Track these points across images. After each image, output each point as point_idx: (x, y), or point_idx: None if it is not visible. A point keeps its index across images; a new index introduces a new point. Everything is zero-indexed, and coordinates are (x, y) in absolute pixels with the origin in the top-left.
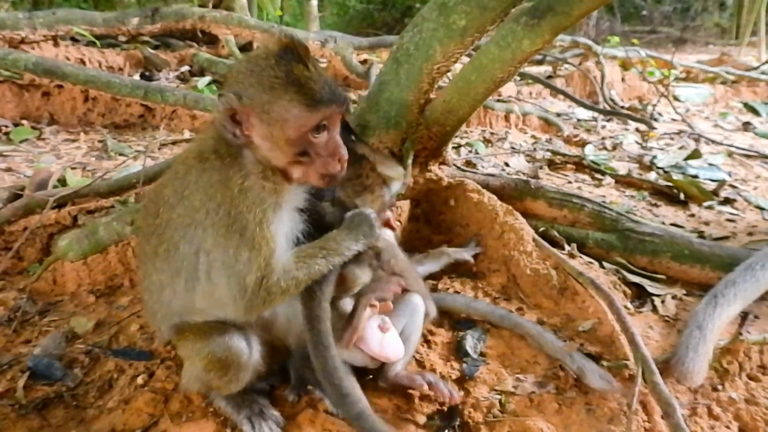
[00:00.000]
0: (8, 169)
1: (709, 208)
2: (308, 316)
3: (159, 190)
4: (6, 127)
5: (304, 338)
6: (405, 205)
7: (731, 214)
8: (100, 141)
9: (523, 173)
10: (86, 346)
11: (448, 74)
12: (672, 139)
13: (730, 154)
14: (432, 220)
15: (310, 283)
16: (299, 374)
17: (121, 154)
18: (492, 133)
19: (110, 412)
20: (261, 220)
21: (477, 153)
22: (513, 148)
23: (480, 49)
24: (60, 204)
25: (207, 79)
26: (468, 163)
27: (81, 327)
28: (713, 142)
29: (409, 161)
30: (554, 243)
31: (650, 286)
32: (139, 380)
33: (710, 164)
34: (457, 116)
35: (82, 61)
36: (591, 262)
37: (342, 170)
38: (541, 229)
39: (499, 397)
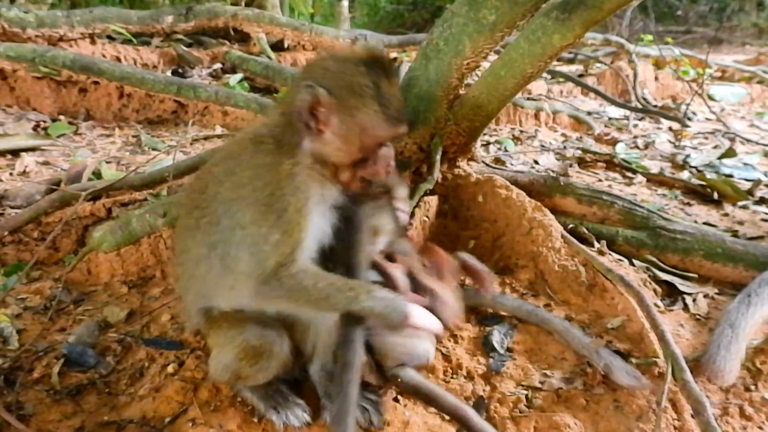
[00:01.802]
0: (45, 163)
1: (744, 207)
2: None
3: (209, 168)
4: (44, 122)
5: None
6: (433, 200)
7: (766, 213)
8: (134, 136)
9: (553, 171)
10: (118, 335)
11: (478, 70)
12: (706, 138)
13: (766, 154)
14: (460, 216)
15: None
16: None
17: (154, 149)
18: (521, 131)
19: (141, 400)
20: (301, 207)
21: (506, 150)
22: (542, 146)
23: (510, 45)
24: (95, 197)
25: (239, 76)
26: (497, 160)
27: (114, 316)
28: (749, 141)
29: (437, 157)
30: (583, 240)
31: (681, 285)
32: (170, 369)
33: (745, 164)
34: (486, 112)
35: (118, 59)
36: (621, 260)
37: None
38: (570, 225)
39: (525, 392)
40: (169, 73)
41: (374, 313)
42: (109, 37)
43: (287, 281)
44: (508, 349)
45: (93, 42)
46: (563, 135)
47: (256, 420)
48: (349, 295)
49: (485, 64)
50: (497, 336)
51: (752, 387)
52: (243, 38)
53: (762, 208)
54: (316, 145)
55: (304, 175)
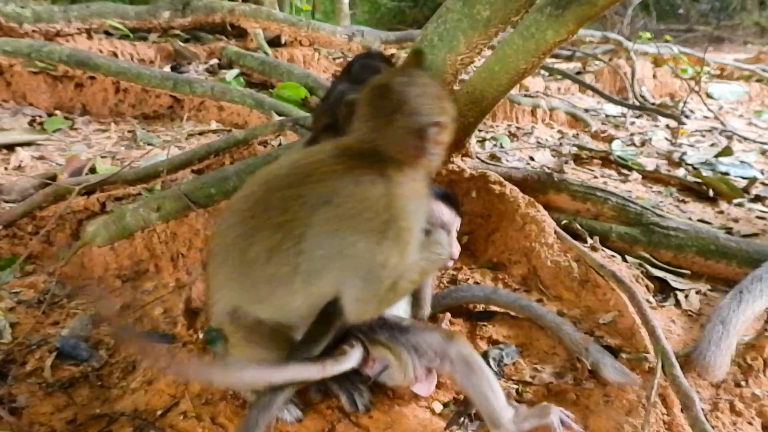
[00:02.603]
0: (41, 158)
1: (739, 205)
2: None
3: (280, 186)
4: (40, 117)
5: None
6: None
7: (762, 211)
8: (129, 131)
9: (548, 168)
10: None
11: (472, 66)
12: (703, 136)
13: (763, 152)
14: None
15: None
16: None
17: (149, 144)
18: (518, 128)
19: (133, 393)
20: (413, 228)
21: (502, 147)
22: (539, 142)
23: (504, 40)
24: (89, 191)
25: (235, 71)
26: (492, 156)
27: (107, 310)
28: (746, 139)
29: None
30: (576, 236)
31: (674, 281)
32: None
33: (742, 161)
34: (480, 107)
35: (115, 54)
36: (614, 256)
37: None
38: (564, 221)
39: (516, 386)
40: (166, 69)
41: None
42: (107, 33)
43: (401, 290)
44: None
45: (90, 37)
46: (560, 132)
47: (247, 413)
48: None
49: (480, 60)
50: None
51: (743, 383)
52: (240, 34)
53: (757, 206)
54: (424, 162)
55: (416, 193)
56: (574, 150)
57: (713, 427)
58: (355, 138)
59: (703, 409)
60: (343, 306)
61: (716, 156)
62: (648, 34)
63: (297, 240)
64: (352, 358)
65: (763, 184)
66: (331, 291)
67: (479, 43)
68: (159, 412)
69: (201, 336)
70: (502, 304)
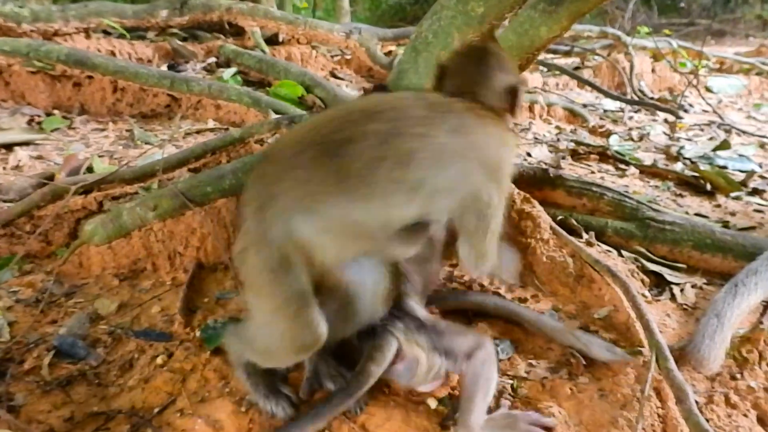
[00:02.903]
0: (39, 157)
1: (737, 198)
2: None
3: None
4: (38, 116)
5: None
6: None
7: (760, 204)
8: (127, 130)
9: (545, 163)
10: (109, 327)
11: None
12: (702, 130)
13: (762, 146)
14: None
15: None
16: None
17: (147, 143)
18: (515, 124)
19: (130, 390)
20: (509, 176)
21: None
22: (536, 138)
23: (498, 37)
24: (87, 190)
25: (232, 70)
26: None
27: (104, 308)
28: (744, 133)
29: None
30: (572, 231)
31: (669, 275)
32: (159, 360)
33: (740, 155)
34: None
35: (113, 53)
36: (609, 251)
37: None
38: (560, 217)
39: (511, 382)
40: (164, 68)
41: None
42: (105, 32)
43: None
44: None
45: (88, 36)
46: (557, 127)
47: (243, 410)
48: None
49: None
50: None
51: (738, 375)
52: (238, 32)
53: (755, 199)
54: (512, 117)
55: (513, 144)
56: (572, 145)
57: (708, 420)
58: (454, 89)
59: (698, 402)
60: (459, 248)
61: (714, 150)
62: (646, 29)
63: (406, 158)
64: (388, 356)
65: (762, 177)
66: (434, 211)
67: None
68: (156, 410)
69: (198, 334)
70: (473, 304)
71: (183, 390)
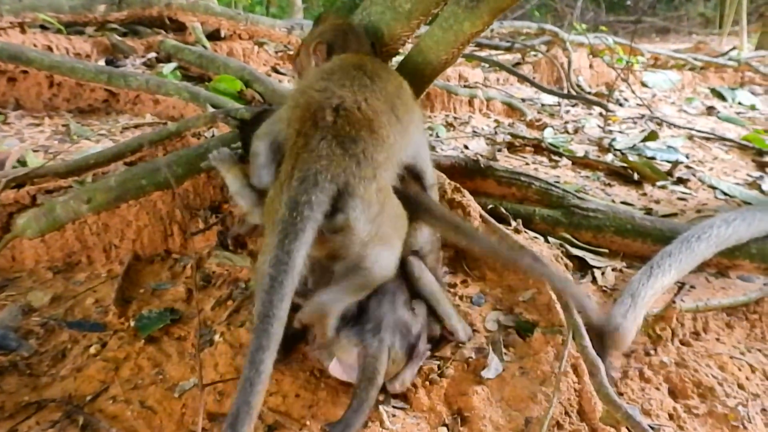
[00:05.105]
0: None
1: (663, 187)
2: None
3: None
4: None
5: None
6: None
7: (683, 193)
8: (64, 125)
9: (481, 155)
10: (42, 319)
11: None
12: (634, 123)
13: (690, 137)
14: None
15: None
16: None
17: (84, 138)
18: (455, 118)
19: (63, 380)
20: None
21: (438, 136)
22: (474, 131)
23: (425, 32)
24: (19, 184)
25: (172, 65)
26: None
27: (38, 301)
28: (673, 125)
29: None
30: (502, 219)
31: (592, 259)
32: (92, 350)
33: (669, 146)
34: None
35: (50, 48)
36: (536, 237)
37: None
38: (490, 206)
39: (438, 362)
40: (102, 63)
41: None
42: (42, 27)
43: None
44: None
45: (23, 31)
46: (496, 121)
47: (176, 396)
48: None
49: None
50: None
51: (651, 352)
52: (180, 28)
53: (679, 188)
54: None
55: None
56: (509, 138)
57: (623, 394)
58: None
59: (613, 377)
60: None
61: (642, 141)
62: (584, 26)
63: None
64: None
65: (687, 167)
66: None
67: (402, 35)
68: (88, 398)
69: (132, 324)
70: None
71: (116, 378)
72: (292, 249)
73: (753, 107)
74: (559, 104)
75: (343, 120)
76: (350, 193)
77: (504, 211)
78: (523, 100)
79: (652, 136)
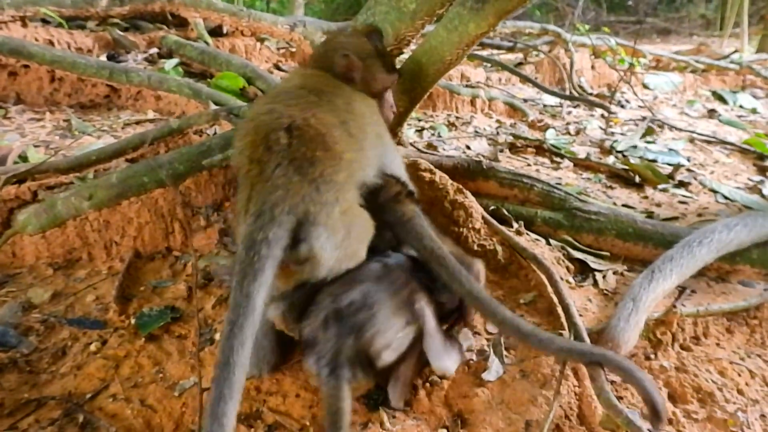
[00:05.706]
0: None
1: (664, 190)
2: None
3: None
4: None
5: None
6: None
7: (684, 196)
8: (65, 120)
9: (483, 156)
10: (42, 315)
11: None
12: (636, 125)
13: (691, 140)
14: None
15: None
16: None
17: (85, 133)
18: (457, 117)
19: (63, 377)
20: None
21: (439, 136)
22: (476, 131)
23: (430, 33)
24: (20, 180)
25: (174, 61)
26: (429, 145)
27: (38, 297)
28: (675, 128)
29: None
30: (503, 221)
31: (593, 262)
32: (92, 347)
33: (670, 149)
34: (409, 98)
35: (51, 42)
36: (538, 239)
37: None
38: (492, 207)
39: None
40: (104, 58)
41: None
42: (44, 21)
43: None
44: None
45: (24, 25)
46: (498, 121)
47: (177, 395)
48: None
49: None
50: None
51: (652, 356)
52: (181, 23)
53: (680, 191)
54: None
55: None
56: (510, 139)
57: (622, 398)
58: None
59: (613, 381)
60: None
61: (640, 138)
62: (586, 26)
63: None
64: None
65: (689, 170)
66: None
67: (407, 35)
68: (88, 396)
69: (133, 321)
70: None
71: (116, 376)
72: (251, 291)
73: (754, 111)
74: (561, 105)
75: (297, 141)
76: (312, 222)
77: (506, 212)
78: (525, 100)
79: (648, 131)
